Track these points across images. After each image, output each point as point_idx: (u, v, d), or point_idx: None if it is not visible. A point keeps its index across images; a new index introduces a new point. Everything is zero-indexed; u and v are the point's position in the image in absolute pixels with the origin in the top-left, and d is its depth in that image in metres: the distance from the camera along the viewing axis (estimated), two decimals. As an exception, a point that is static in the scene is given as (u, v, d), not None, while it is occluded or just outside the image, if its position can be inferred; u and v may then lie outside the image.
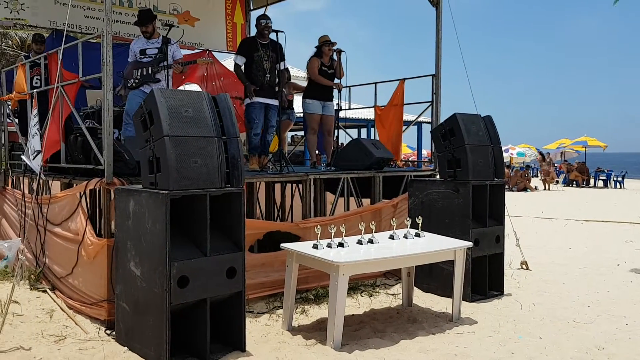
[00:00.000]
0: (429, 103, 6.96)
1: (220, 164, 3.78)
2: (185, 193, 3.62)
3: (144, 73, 5.71)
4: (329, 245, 4.39)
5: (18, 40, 19.91)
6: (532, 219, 11.95)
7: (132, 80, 5.72)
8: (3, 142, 6.35)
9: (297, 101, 8.51)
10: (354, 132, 21.75)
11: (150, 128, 3.66)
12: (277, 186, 7.78)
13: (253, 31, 9.02)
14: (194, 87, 9.14)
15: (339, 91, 6.99)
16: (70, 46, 4.68)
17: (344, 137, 9.90)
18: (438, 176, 6.49)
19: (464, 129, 5.47)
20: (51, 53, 5.19)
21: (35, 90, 5.39)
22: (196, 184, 3.67)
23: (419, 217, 5.00)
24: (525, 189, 21.13)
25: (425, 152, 25.46)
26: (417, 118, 7.49)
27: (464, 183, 5.41)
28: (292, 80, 8.31)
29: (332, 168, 6.59)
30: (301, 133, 16.79)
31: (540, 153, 25.21)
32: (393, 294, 5.54)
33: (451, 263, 4.80)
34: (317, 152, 7.32)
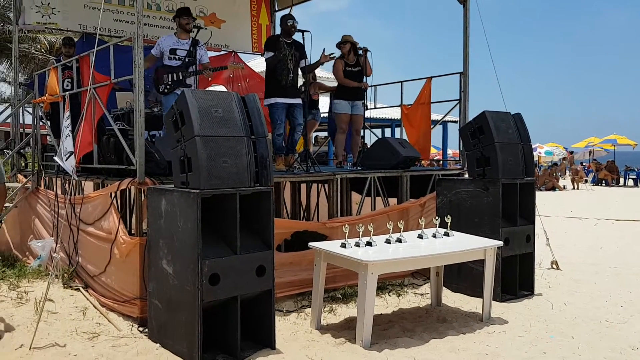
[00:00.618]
0: (457, 101, 6.90)
1: (249, 164, 3.82)
2: (215, 192, 3.66)
3: (175, 79, 5.77)
4: (357, 244, 4.39)
5: (47, 44, 20.34)
6: (561, 218, 11.76)
7: (163, 86, 5.78)
8: (36, 144, 6.49)
9: (322, 101, 8.54)
10: (378, 132, 21.66)
11: (182, 128, 3.71)
12: (303, 186, 7.81)
13: (278, 32, 9.10)
14: (220, 89, 9.23)
15: (365, 90, 6.99)
16: (101, 49, 4.76)
17: (369, 137, 9.90)
18: (466, 175, 6.43)
19: (493, 126, 5.41)
20: (83, 56, 5.30)
21: (67, 93, 5.50)
22: (226, 183, 3.71)
23: (448, 216, 4.97)
24: (553, 188, 20.80)
25: (451, 151, 25.23)
26: (444, 116, 7.44)
27: (493, 181, 5.35)
28: (317, 81, 8.33)
29: (359, 167, 6.58)
30: (324, 134, 16.81)
31: (555, 164, 24.78)
32: (421, 294, 5.51)
33: (481, 262, 4.76)
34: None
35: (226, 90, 9.03)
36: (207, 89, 8.13)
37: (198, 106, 3.69)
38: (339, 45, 6.98)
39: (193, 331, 3.63)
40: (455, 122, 10.35)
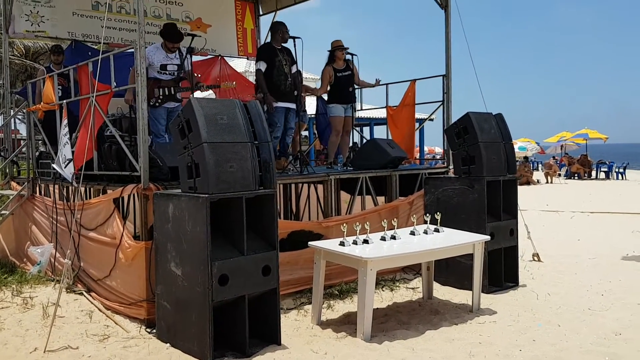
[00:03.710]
0: (440, 102, 7.16)
1: (253, 168, 4.00)
2: (223, 196, 3.83)
3: (166, 93, 5.80)
4: (355, 242, 4.60)
5: (22, 48, 20.14)
6: (537, 212, 12.15)
7: (154, 100, 5.76)
8: (30, 152, 6.54)
9: (308, 103, 8.72)
10: (360, 130, 21.90)
11: (189, 135, 3.86)
12: (292, 187, 7.99)
13: (263, 36, 9.28)
14: (209, 91, 9.35)
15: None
16: (104, 57, 4.81)
17: (354, 136, 10.11)
18: (451, 173, 6.69)
19: (477, 127, 5.68)
20: (81, 65, 5.38)
21: (65, 101, 5.58)
22: (233, 187, 3.87)
23: (438, 213, 5.21)
24: (527, 183, 21.33)
25: (427, 148, 25.64)
26: (429, 117, 7.73)
27: (478, 179, 5.62)
28: (303, 83, 8.52)
29: (349, 167, 6.80)
30: (305, 133, 17.02)
31: (526, 158, 25.27)
32: (413, 288, 5.75)
33: (469, 256, 5.01)
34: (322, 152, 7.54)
35: (213, 92, 9.18)
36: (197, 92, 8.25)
37: (204, 114, 3.85)
38: (334, 52, 7.12)
39: (204, 330, 3.79)
40: (431, 120, 10.55)
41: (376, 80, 7.35)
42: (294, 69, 6.54)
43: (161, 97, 5.79)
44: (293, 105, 6.49)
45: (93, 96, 4.77)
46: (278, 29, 6.47)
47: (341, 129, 7.17)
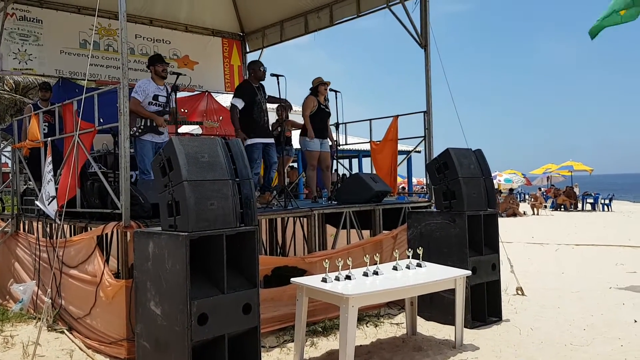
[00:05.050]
0: (422, 138, 7.28)
1: (234, 205, 4.02)
2: (203, 234, 3.85)
3: (148, 124, 5.82)
4: (337, 278, 4.60)
5: (12, 83, 20.25)
6: (523, 244, 12.22)
7: (135, 129, 5.74)
8: (15, 188, 6.54)
9: (294, 137, 8.83)
10: (345, 163, 22.03)
11: (169, 174, 3.90)
12: (279, 220, 8.01)
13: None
14: (195, 126, 9.46)
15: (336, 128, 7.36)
16: (88, 96, 4.87)
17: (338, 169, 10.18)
18: (434, 207, 6.75)
19: (456, 162, 5.78)
20: (66, 104, 5.44)
21: (49, 139, 5.62)
22: (213, 225, 3.90)
23: (420, 247, 5.25)
24: (514, 215, 21.47)
25: (416, 180, 25.82)
26: (412, 151, 7.82)
27: (459, 214, 5.68)
28: (289, 119, 8.62)
29: (334, 202, 6.85)
30: (295, 164, 17.16)
31: (511, 190, 25.46)
32: (397, 324, 5.74)
33: (451, 291, 5.03)
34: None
35: (201, 128, 9.29)
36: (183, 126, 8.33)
37: (185, 152, 3.89)
38: (317, 87, 7.21)
39: (183, 370, 3.75)
40: (418, 152, 10.70)
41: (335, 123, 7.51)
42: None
43: (142, 127, 5.79)
44: (271, 140, 6.62)
45: (76, 135, 4.81)
46: (251, 67, 6.62)
47: (316, 163, 7.20)
